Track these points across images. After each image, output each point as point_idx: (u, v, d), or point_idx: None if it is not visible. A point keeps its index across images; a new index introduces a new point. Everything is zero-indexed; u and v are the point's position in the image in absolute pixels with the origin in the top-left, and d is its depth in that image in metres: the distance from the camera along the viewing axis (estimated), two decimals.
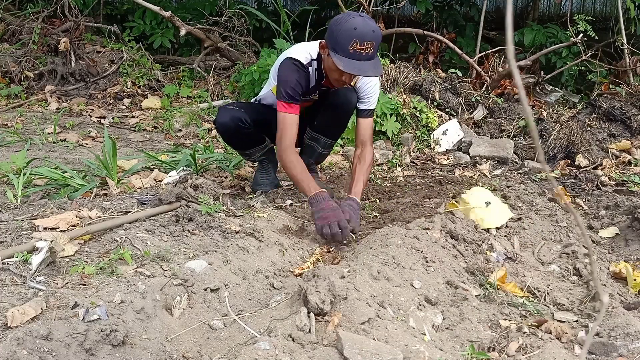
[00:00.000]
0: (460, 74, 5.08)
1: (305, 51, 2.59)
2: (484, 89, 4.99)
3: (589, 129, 4.04)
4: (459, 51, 5.33)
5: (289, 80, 2.51)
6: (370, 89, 2.69)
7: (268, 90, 2.85)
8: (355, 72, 2.35)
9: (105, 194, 2.66)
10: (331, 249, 2.35)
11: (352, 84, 2.64)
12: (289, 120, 2.51)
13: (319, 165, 3.62)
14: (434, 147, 4.23)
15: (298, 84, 2.51)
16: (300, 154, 2.74)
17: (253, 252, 2.08)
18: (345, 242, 2.35)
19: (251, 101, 3.01)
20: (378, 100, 4.21)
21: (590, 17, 4.87)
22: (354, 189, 2.63)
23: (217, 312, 1.72)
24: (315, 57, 2.58)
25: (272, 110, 2.69)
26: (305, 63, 2.56)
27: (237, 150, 3.08)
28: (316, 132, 2.86)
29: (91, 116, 4.86)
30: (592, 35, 4.76)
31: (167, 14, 5.42)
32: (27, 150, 3.42)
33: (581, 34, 4.79)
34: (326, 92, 2.72)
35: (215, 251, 1.98)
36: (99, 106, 5.19)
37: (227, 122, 2.72)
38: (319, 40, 2.54)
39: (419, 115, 4.36)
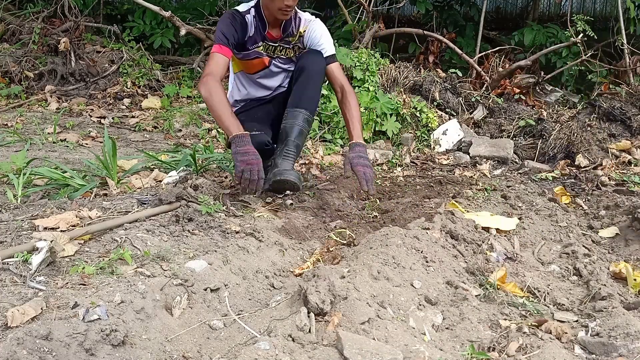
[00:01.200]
0: (460, 74, 5.09)
1: (246, 3, 2.71)
2: (484, 89, 4.99)
3: (589, 129, 4.04)
4: (459, 51, 5.33)
5: (222, 25, 2.60)
6: (317, 36, 2.73)
7: (231, 83, 2.92)
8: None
9: (105, 194, 2.66)
10: (331, 249, 2.35)
11: (303, 42, 2.74)
12: (218, 59, 2.53)
13: (319, 166, 3.61)
14: (434, 147, 4.23)
15: (231, 27, 2.58)
16: (279, 142, 2.72)
17: (253, 252, 2.08)
18: (256, 193, 2.43)
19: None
20: (377, 99, 4.22)
21: (590, 17, 4.87)
22: (353, 132, 2.64)
23: (217, 312, 1.72)
24: (252, 6, 2.68)
25: (264, 104, 2.82)
26: (242, 11, 2.66)
27: None
28: (289, 108, 2.75)
29: (91, 116, 4.85)
30: (592, 35, 4.76)
31: (167, 14, 5.42)
32: (27, 150, 3.41)
33: (581, 34, 4.79)
34: (272, 56, 2.78)
35: (215, 251, 1.98)
36: (99, 106, 5.19)
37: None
38: None
39: (419, 115, 4.36)
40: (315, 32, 2.74)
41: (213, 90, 2.43)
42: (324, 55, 2.73)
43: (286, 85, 2.91)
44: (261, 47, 2.75)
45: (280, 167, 2.60)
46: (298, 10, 2.76)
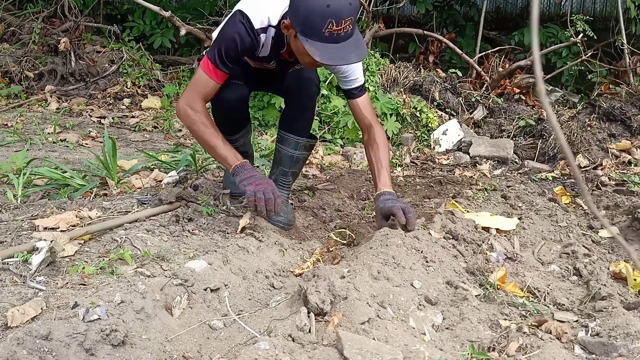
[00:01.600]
0: (460, 74, 5.09)
1: (266, 13, 2.10)
2: (484, 89, 4.99)
3: (589, 129, 4.04)
4: (459, 51, 5.33)
5: (226, 42, 2.08)
6: (349, 65, 2.22)
7: None
8: (336, 62, 1.95)
9: (105, 194, 2.66)
10: (331, 249, 2.35)
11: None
12: (207, 85, 2.11)
13: (319, 166, 3.61)
14: (434, 147, 4.23)
15: (236, 51, 2.09)
16: (272, 167, 2.51)
17: (253, 252, 2.08)
18: (274, 215, 2.13)
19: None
20: (377, 99, 4.22)
21: (589, 17, 4.87)
22: (379, 179, 2.23)
23: (217, 312, 1.72)
24: (275, 23, 2.10)
25: (248, 67, 2.34)
26: (257, 28, 2.09)
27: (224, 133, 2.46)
28: (283, 131, 2.44)
29: (91, 116, 4.85)
30: (591, 35, 4.76)
31: (167, 14, 5.42)
32: (27, 150, 3.42)
33: (581, 34, 4.79)
34: (283, 67, 2.33)
35: (215, 251, 1.98)
36: (99, 106, 5.19)
37: (235, 101, 2.31)
38: (282, 3, 2.06)
39: (419, 115, 4.36)
40: None
41: (199, 119, 2.11)
42: (356, 85, 2.29)
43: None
44: (274, 64, 2.31)
45: None
46: None
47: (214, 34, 2.39)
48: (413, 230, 2.12)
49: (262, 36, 2.13)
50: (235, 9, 2.17)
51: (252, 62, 2.34)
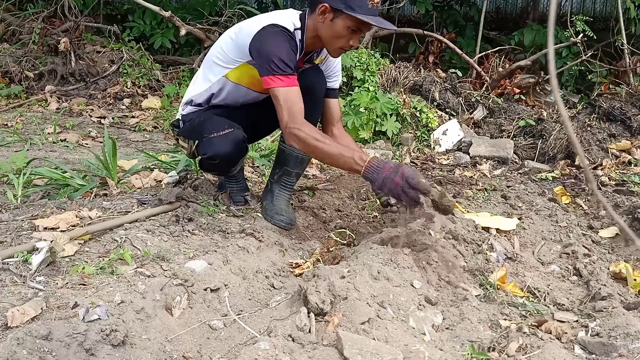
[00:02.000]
0: (460, 74, 5.09)
1: (287, 19, 2.16)
2: (484, 89, 4.99)
3: (589, 129, 4.04)
4: (459, 51, 5.33)
5: (280, 49, 2.05)
6: (337, 64, 2.41)
7: (211, 83, 2.32)
8: (388, 26, 2.22)
9: (105, 194, 2.66)
10: (331, 249, 2.35)
11: (318, 61, 2.35)
12: (292, 95, 2.04)
13: (319, 166, 3.61)
14: (434, 147, 4.23)
15: (291, 51, 2.08)
16: (275, 166, 2.50)
17: (253, 252, 2.08)
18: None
19: (181, 109, 2.49)
20: (377, 99, 4.22)
21: (589, 17, 4.87)
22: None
23: (217, 312, 1.72)
24: (299, 26, 2.17)
25: (231, 109, 2.32)
26: (291, 30, 2.13)
27: (224, 174, 2.52)
28: (285, 145, 2.37)
29: (91, 116, 4.86)
30: (591, 36, 4.76)
31: (167, 14, 5.42)
32: (27, 150, 3.42)
33: (581, 34, 4.79)
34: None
35: (215, 251, 1.98)
36: (99, 106, 5.19)
37: (233, 151, 2.22)
38: (293, 11, 2.22)
39: (419, 115, 4.36)
40: (335, 60, 2.40)
41: (313, 135, 2.01)
42: (335, 87, 2.43)
43: None
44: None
45: (276, 204, 2.43)
46: None
47: (195, 89, 2.39)
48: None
49: (297, 38, 2.17)
50: (251, 28, 2.14)
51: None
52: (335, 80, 2.43)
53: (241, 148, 2.26)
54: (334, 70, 2.41)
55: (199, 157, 2.30)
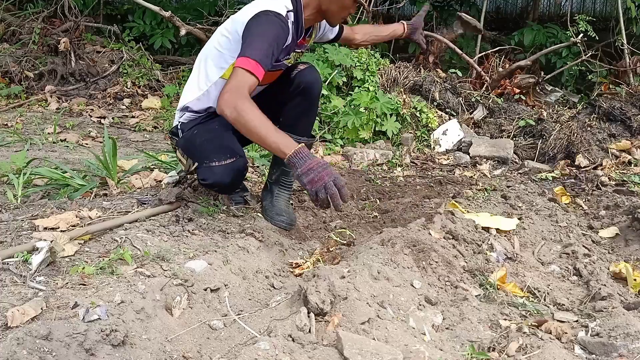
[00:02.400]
0: (460, 74, 5.09)
1: (280, 2, 2.14)
2: (484, 89, 4.99)
3: (589, 129, 4.04)
4: (459, 51, 5.33)
5: (267, 36, 2.02)
6: (324, 26, 2.55)
7: (207, 87, 2.27)
8: None
9: (105, 194, 2.66)
10: (331, 249, 2.35)
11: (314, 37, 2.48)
12: (248, 81, 1.96)
13: None
14: (434, 147, 4.23)
15: (275, 44, 2.04)
16: (272, 166, 2.46)
17: (253, 252, 2.08)
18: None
19: (177, 116, 2.42)
20: (377, 99, 4.22)
21: (590, 17, 4.87)
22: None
23: (217, 312, 1.72)
24: (291, 8, 2.17)
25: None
26: (283, 14, 2.11)
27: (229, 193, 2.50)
28: (291, 133, 2.27)
29: (91, 116, 4.86)
30: (593, 36, 4.76)
31: (167, 14, 5.42)
32: (27, 150, 3.42)
33: (581, 34, 4.79)
34: (288, 74, 2.33)
35: (215, 251, 1.98)
36: (99, 106, 5.19)
37: (233, 180, 2.20)
38: None
39: (419, 115, 4.36)
40: (322, 27, 2.52)
41: (245, 107, 1.92)
42: (337, 31, 2.65)
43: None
44: (290, 59, 2.34)
45: (276, 204, 2.42)
46: None
47: (189, 95, 2.32)
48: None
49: (289, 23, 2.15)
50: (243, 16, 2.13)
51: (273, 67, 2.24)
52: (333, 31, 2.62)
53: (242, 175, 2.23)
54: (328, 32, 2.58)
55: (198, 180, 2.28)
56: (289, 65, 2.38)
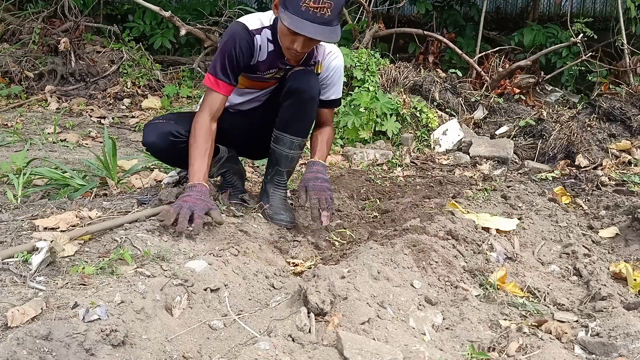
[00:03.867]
0: (460, 74, 5.09)
1: (257, 17, 2.21)
2: (484, 89, 4.99)
3: (589, 129, 4.04)
4: (459, 51, 5.33)
5: (224, 50, 2.14)
6: (331, 77, 2.38)
7: None
8: (300, 30, 1.97)
9: (105, 194, 2.66)
10: (331, 249, 2.34)
11: (317, 71, 2.34)
12: (211, 98, 2.16)
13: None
14: (434, 147, 4.23)
15: (233, 56, 2.13)
16: (267, 166, 2.51)
17: (253, 252, 2.07)
18: (187, 232, 1.98)
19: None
20: (377, 99, 4.22)
21: (589, 18, 4.87)
22: (317, 151, 2.38)
23: (217, 312, 1.72)
24: (268, 24, 2.20)
25: (227, 113, 2.34)
26: (252, 29, 2.17)
27: (181, 168, 2.66)
28: (278, 131, 2.41)
29: (91, 116, 4.86)
30: (591, 36, 4.76)
31: (167, 14, 5.42)
32: (27, 150, 3.42)
33: (581, 34, 4.79)
34: (282, 77, 2.35)
35: (215, 252, 1.98)
36: (99, 106, 5.19)
37: (156, 142, 2.31)
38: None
39: (419, 115, 4.36)
40: (333, 70, 2.36)
41: (196, 133, 2.15)
42: (332, 98, 2.44)
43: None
44: (280, 72, 2.34)
45: (273, 204, 2.45)
46: None
47: None
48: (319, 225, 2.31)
49: (258, 37, 2.19)
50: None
51: (250, 80, 2.34)
52: (329, 92, 2.41)
53: (167, 141, 2.29)
54: (326, 81, 2.37)
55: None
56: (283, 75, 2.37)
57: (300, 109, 2.33)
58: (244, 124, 2.51)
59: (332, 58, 2.36)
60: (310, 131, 2.50)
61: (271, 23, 2.20)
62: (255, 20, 2.20)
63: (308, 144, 2.57)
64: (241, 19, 2.22)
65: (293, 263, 2.18)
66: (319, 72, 2.35)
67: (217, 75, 2.16)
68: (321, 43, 2.26)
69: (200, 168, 2.12)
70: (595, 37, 4.82)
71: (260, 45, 2.21)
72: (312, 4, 1.95)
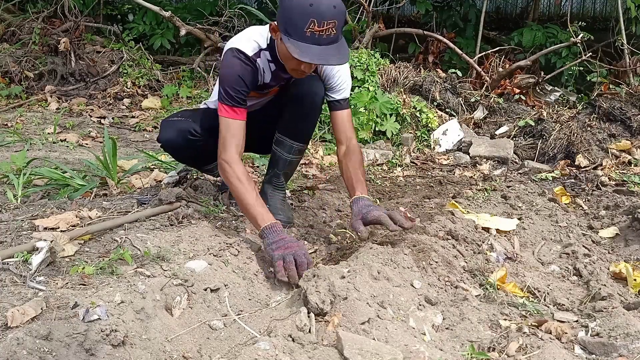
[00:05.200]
0: (460, 74, 5.09)
1: (252, 39, 2.15)
2: (484, 89, 4.99)
3: (589, 129, 4.04)
4: (459, 51, 5.33)
5: (229, 78, 2.10)
6: (338, 74, 2.29)
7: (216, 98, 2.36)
8: (315, 60, 1.94)
9: (105, 194, 2.66)
10: (332, 249, 2.34)
11: (317, 71, 2.28)
12: (232, 128, 2.09)
13: (319, 166, 3.61)
14: (434, 147, 4.23)
15: (241, 81, 2.10)
16: (268, 167, 2.51)
17: (253, 252, 2.07)
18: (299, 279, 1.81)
19: (200, 107, 2.59)
20: (377, 99, 4.22)
21: (589, 18, 4.86)
22: (357, 185, 2.20)
23: (217, 312, 1.72)
24: (265, 46, 2.15)
25: None
26: (251, 55, 2.13)
27: (194, 167, 2.71)
28: (280, 135, 2.40)
29: (91, 116, 4.86)
30: (588, 37, 4.77)
31: (167, 14, 5.42)
32: (27, 150, 3.42)
33: (581, 34, 4.79)
34: (288, 82, 2.33)
35: (215, 251, 1.98)
36: (99, 106, 5.19)
37: (174, 138, 2.33)
38: (265, 28, 2.16)
39: (419, 115, 4.36)
40: (334, 69, 2.28)
41: (234, 173, 2.06)
42: (340, 97, 2.32)
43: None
44: (278, 87, 2.36)
45: (271, 204, 2.42)
46: None
47: (212, 96, 2.47)
48: (411, 227, 2.09)
49: (259, 61, 2.16)
50: (225, 48, 2.18)
51: (257, 94, 2.33)
52: (337, 91, 2.32)
53: (187, 138, 2.31)
54: (333, 84, 2.30)
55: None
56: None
57: (303, 113, 2.31)
58: (247, 122, 2.45)
59: None
60: (312, 136, 2.47)
61: (268, 42, 2.15)
62: (250, 43, 2.14)
63: (309, 145, 2.54)
64: (235, 44, 2.14)
65: None
66: (321, 73, 2.30)
67: (232, 103, 2.10)
68: None
69: (264, 208, 2.05)
70: (592, 38, 4.82)
71: (263, 69, 2.19)
72: (317, 28, 1.88)
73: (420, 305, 1.76)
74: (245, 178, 2.06)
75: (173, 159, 3.24)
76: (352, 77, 4.45)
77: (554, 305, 1.93)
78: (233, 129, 2.10)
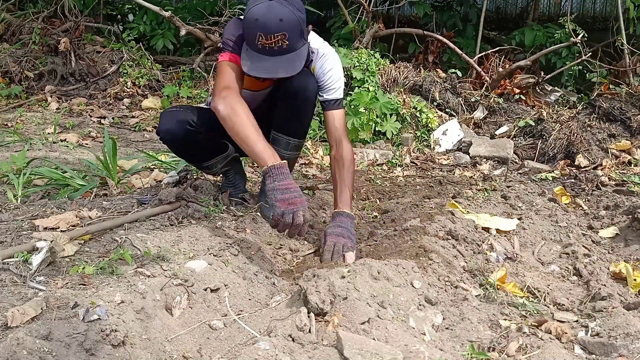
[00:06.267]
0: (460, 74, 5.09)
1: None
2: (484, 89, 4.99)
3: (589, 129, 4.04)
4: (459, 51, 5.33)
5: (229, 29, 2.15)
6: (328, 75, 2.27)
7: None
8: (259, 73, 2.02)
9: (105, 194, 2.67)
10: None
11: (309, 68, 2.27)
12: (228, 69, 2.08)
13: (319, 166, 3.61)
14: (434, 147, 4.23)
15: (239, 27, 2.12)
16: None
17: (253, 252, 2.07)
18: (300, 237, 1.93)
19: (201, 106, 2.59)
20: (377, 99, 4.22)
21: (589, 18, 4.86)
22: (340, 198, 2.22)
23: (217, 312, 1.72)
24: None
25: None
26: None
27: (193, 164, 2.63)
28: (276, 132, 2.38)
29: (91, 116, 4.86)
30: (583, 35, 4.77)
31: (167, 14, 5.42)
32: (27, 150, 3.42)
33: (581, 35, 4.79)
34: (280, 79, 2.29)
35: (215, 251, 1.98)
36: (99, 106, 5.19)
37: (173, 129, 2.28)
38: None
39: (419, 115, 4.36)
40: (324, 70, 2.27)
41: (235, 107, 1.98)
42: (332, 98, 2.29)
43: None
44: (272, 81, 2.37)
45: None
46: (312, 38, 2.25)
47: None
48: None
49: None
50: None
51: (253, 84, 2.32)
52: (328, 91, 2.30)
53: (186, 130, 2.27)
54: (323, 83, 2.28)
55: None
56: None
57: (297, 109, 2.30)
58: None
59: (321, 58, 2.27)
60: (308, 132, 2.45)
61: None
62: None
63: (309, 145, 2.54)
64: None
65: (294, 264, 2.18)
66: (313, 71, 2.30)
67: (229, 48, 2.11)
68: (312, 45, 2.23)
69: (267, 145, 1.96)
70: (586, 36, 4.82)
71: None
72: (265, 41, 1.98)
73: (420, 305, 1.76)
74: (246, 110, 1.98)
75: (173, 159, 3.24)
76: (352, 77, 4.46)
77: (554, 305, 1.93)
78: (231, 71, 2.10)
